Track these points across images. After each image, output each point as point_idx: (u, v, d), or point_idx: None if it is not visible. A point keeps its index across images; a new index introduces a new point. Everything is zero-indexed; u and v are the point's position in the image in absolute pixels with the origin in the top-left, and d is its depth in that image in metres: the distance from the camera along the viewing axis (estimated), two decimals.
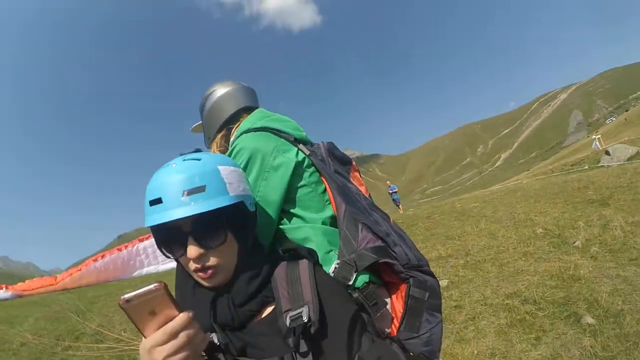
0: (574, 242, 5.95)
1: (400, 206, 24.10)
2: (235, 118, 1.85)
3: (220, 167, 1.10)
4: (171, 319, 0.84)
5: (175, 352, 0.83)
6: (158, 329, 0.84)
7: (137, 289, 0.80)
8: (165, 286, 0.82)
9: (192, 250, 1.02)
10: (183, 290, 1.19)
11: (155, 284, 0.81)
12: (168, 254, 1.09)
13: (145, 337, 0.85)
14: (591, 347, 3.22)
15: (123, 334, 6.32)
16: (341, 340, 1.04)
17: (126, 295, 0.79)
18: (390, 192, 24.84)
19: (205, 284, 1.09)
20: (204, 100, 1.94)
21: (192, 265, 1.06)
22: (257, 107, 1.90)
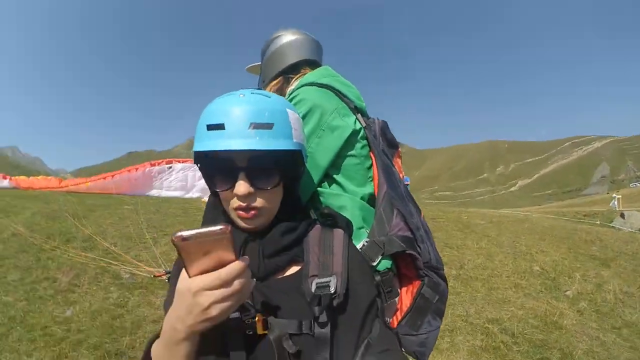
0: (566, 291, 6.09)
1: None
2: (295, 68, 1.82)
3: (288, 110, 1.05)
4: (225, 264, 0.79)
5: (223, 300, 0.79)
6: (209, 272, 0.79)
7: (198, 228, 0.74)
8: (231, 230, 0.76)
9: (242, 187, 0.96)
10: (211, 224, 1.20)
11: (222, 226, 0.74)
12: (213, 185, 1.04)
13: (189, 276, 0.80)
14: None
15: (113, 247, 6.37)
16: (357, 320, 1.03)
17: (184, 233, 0.73)
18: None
19: (242, 224, 1.04)
20: (268, 43, 1.88)
21: (235, 203, 1.00)
22: (319, 63, 1.87)
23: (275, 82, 1.86)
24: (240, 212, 1.01)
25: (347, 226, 1.21)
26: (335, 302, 0.99)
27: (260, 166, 0.98)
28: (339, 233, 1.15)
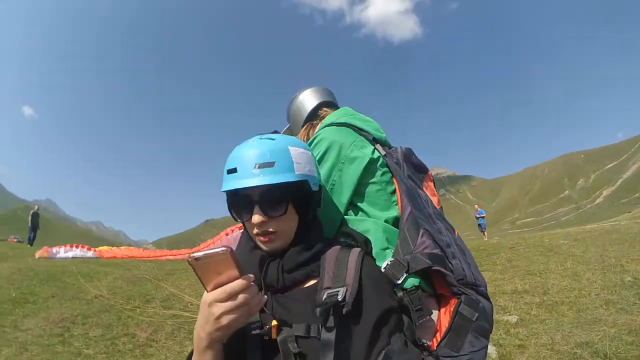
0: None
1: (485, 232, 22.94)
2: (316, 113, 2.03)
3: (290, 148, 1.22)
4: (233, 280, 0.95)
5: (231, 311, 0.94)
6: (220, 287, 0.95)
7: (206, 250, 0.90)
8: (232, 251, 0.91)
9: (256, 217, 1.15)
10: (244, 249, 1.31)
11: (223, 248, 0.90)
12: (236, 217, 1.22)
13: (207, 291, 0.96)
14: None
15: (190, 305, 6.78)
16: (366, 329, 1.08)
17: (195, 254, 0.90)
18: (477, 216, 23.69)
19: (264, 247, 1.22)
20: (289, 105, 2.14)
21: (255, 230, 1.19)
22: (336, 104, 2.08)
23: (302, 131, 2.07)
24: (260, 237, 1.20)
25: (365, 244, 1.33)
26: (344, 310, 1.06)
27: (270, 198, 1.16)
28: (355, 250, 1.24)
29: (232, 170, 1.17)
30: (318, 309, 1.06)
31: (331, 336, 1.04)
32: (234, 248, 1.08)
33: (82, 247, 14.58)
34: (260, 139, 1.23)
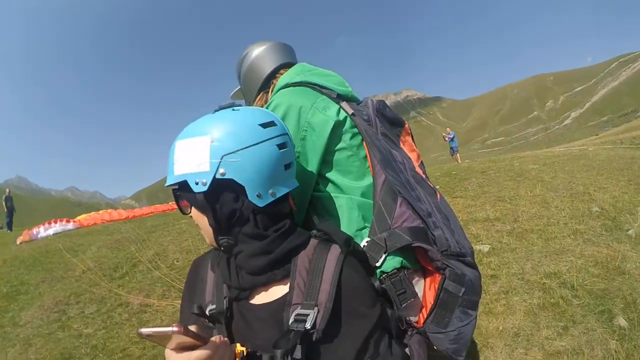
0: (628, 230, 5.74)
1: (457, 156, 23.15)
2: (273, 77, 1.74)
3: (178, 142, 1.08)
4: (195, 346, 0.84)
5: None
6: (183, 349, 0.84)
7: (156, 326, 0.79)
8: (185, 329, 0.80)
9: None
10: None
11: (174, 328, 0.78)
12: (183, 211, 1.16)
13: (168, 350, 0.85)
14: (615, 351, 3.27)
15: (176, 262, 6.89)
16: (350, 353, 0.99)
17: (144, 331, 0.79)
18: (448, 139, 23.92)
19: None
20: (239, 65, 1.82)
21: None
22: (294, 63, 1.76)
23: (258, 99, 1.80)
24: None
25: (346, 243, 1.13)
26: (314, 337, 0.98)
27: (177, 199, 1.13)
28: (334, 253, 1.09)
29: None
30: (284, 342, 0.93)
31: None
32: None
33: (61, 220, 14.39)
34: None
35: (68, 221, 14.57)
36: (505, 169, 10.52)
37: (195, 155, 1.03)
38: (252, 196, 1.04)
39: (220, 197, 1.05)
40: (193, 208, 1.10)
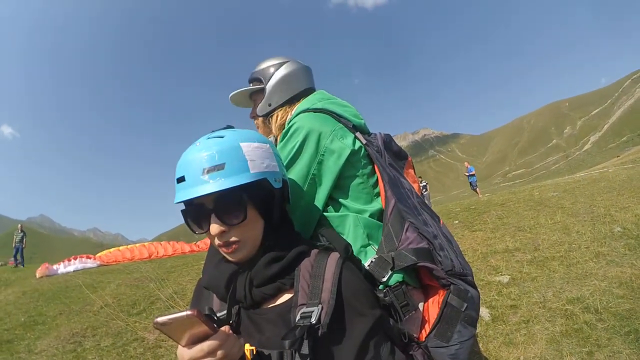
0: None
1: (478, 190, 22.79)
2: (303, 95, 1.81)
3: (242, 144, 1.09)
4: (207, 336, 0.87)
5: None
6: (194, 343, 0.87)
7: (170, 313, 0.83)
8: (198, 313, 0.83)
9: (214, 228, 1.04)
10: (211, 261, 1.23)
11: (189, 312, 0.82)
12: (194, 230, 1.11)
13: (181, 346, 0.89)
14: None
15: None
16: (351, 351, 1.02)
17: (159, 319, 0.82)
18: (468, 174, 23.52)
19: (229, 258, 1.12)
20: (276, 68, 1.82)
21: (216, 241, 1.08)
22: (314, 90, 1.87)
23: (281, 110, 1.82)
24: (222, 248, 1.10)
25: (345, 249, 1.20)
26: (320, 332, 1.00)
27: (225, 205, 1.05)
28: (333, 258, 1.15)
29: (181, 179, 1.05)
30: (287, 342, 0.96)
31: None
32: None
33: (82, 257, 14.38)
34: (208, 138, 1.11)
35: (89, 257, 14.51)
36: (525, 199, 10.33)
37: (265, 157, 1.13)
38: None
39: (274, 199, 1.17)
40: (253, 211, 1.09)
